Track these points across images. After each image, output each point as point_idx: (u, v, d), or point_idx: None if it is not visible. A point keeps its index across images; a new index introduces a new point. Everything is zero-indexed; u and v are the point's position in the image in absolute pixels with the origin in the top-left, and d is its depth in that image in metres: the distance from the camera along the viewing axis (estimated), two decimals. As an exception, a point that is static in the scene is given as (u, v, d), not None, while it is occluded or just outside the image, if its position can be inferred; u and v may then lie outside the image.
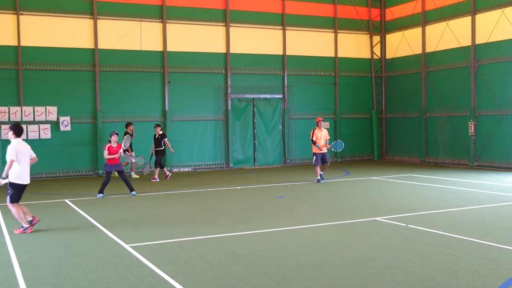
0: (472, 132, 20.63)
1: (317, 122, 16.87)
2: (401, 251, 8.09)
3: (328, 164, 17.23)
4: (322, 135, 16.84)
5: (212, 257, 7.93)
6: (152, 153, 18.96)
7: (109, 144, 14.34)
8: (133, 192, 14.46)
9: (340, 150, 18.16)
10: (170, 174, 19.07)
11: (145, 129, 20.32)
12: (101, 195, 14.26)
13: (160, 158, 18.40)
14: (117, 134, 14.65)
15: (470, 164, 20.73)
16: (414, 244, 8.55)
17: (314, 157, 16.79)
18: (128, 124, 19.05)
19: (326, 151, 16.91)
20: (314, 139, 16.72)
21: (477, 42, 20.54)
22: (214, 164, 21.83)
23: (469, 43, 20.80)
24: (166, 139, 18.45)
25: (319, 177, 16.80)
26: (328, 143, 17.18)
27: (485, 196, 13.57)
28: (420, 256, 7.78)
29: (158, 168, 18.39)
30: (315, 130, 16.85)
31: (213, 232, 9.74)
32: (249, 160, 22.45)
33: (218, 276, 7.00)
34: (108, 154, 14.17)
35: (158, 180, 17.94)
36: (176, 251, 8.40)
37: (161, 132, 18.47)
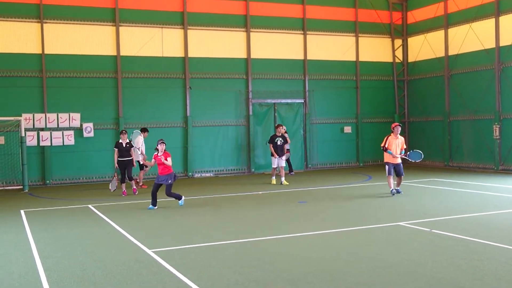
0: (497, 136, 20.31)
1: (393, 128, 14.92)
2: (425, 257, 7.99)
3: (403, 177, 15.14)
4: (397, 143, 14.84)
5: (234, 263, 7.93)
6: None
7: (155, 153, 13.32)
8: (153, 204, 13.40)
9: (419, 160, 15.37)
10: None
11: (167, 134, 20.49)
12: (181, 201, 13.54)
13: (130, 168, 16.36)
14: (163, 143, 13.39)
15: (495, 168, 20.41)
16: (438, 249, 8.44)
17: (386, 167, 14.79)
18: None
19: (400, 161, 14.91)
20: (386, 146, 14.81)
21: (501, 44, 20.26)
22: (235, 169, 21.85)
23: (493, 45, 20.53)
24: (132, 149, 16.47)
25: (392, 189, 14.68)
26: (403, 152, 14.97)
27: (511, 200, 13.34)
28: (444, 262, 7.68)
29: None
30: (389, 137, 14.90)
31: (235, 237, 9.74)
32: (270, 165, 22.37)
33: (240, 282, 6.99)
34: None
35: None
36: (198, 256, 8.41)
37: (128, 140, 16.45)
